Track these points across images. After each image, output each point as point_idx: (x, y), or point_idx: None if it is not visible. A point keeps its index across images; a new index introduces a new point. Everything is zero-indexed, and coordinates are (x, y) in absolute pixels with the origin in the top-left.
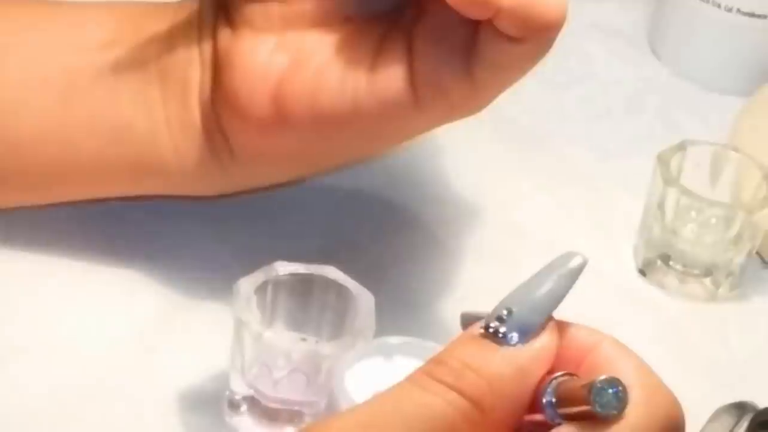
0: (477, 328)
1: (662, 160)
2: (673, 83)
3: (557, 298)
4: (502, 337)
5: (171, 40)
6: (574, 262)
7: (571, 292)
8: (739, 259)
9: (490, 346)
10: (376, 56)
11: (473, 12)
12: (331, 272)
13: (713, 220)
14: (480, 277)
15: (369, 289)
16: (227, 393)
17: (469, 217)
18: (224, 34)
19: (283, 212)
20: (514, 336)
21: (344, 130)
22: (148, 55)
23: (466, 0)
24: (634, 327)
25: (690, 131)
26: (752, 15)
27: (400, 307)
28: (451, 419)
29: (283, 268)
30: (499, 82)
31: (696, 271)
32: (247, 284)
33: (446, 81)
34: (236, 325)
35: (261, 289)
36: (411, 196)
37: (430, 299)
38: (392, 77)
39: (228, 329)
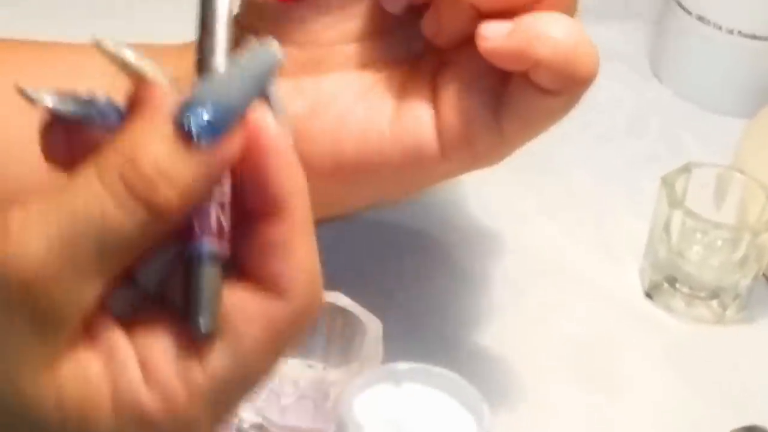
0: (168, 124)
1: (667, 183)
2: (676, 105)
3: (250, 95)
4: (195, 139)
5: (176, 83)
6: (267, 60)
7: (579, 314)
8: (745, 281)
9: (184, 149)
10: (399, 103)
11: (510, 64)
12: (339, 298)
13: (719, 242)
14: (487, 301)
15: (376, 315)
16: (236, 420)
17: (475, 240)
18: None
19: None
20: (207, 138)
21: (365, 177)
22: None
23: (503, 51)
24: (641, 350)
25: (693, 153)
26: (753, 37)
27: (408, 333)
28: (128, 232)
29: None
30: (527, 133)
31: (703, 294)
32: None
33: (473, 131)
34: None
35: None
36: (416, 222)
37: (437, 325)
38: (418, 125)
39: None
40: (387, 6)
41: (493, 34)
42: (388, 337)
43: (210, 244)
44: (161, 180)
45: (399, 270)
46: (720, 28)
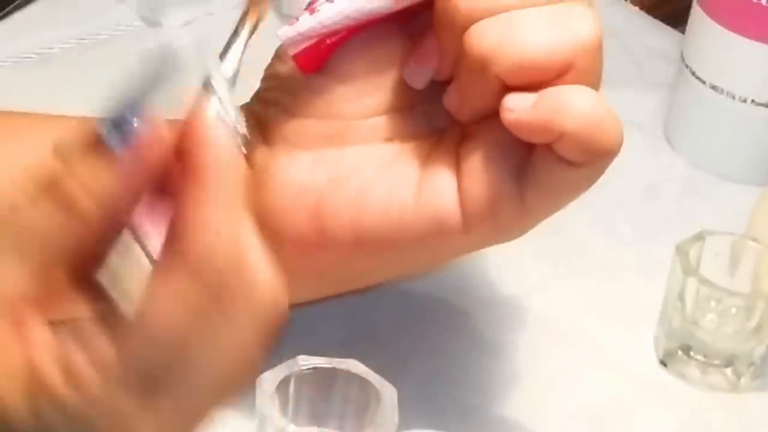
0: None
1: (681, 251)
2: (689, 173)
3: (148, 96)
4: (110, 145)
5: None
6: (164, 60)
7: (593, 382)
8: (760, 348)
9: (100, 157)
10: (422, 175)
11: (535, 136)
12: (354, 366)
13: (733, 310)
14: (501, 368)
15: (391, 382)
16: None
17: (490, 307)
18: (259, 151)
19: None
20: (118, 142)
21: (386, 250)
22: None
23: (528, 123)
24: (656, 418)
25: (707, 221)
26: (767, 106)
27: (423, 400)
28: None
29: (306, 361)
30: (550, 206)
31: (717, 361)
32: (270, 378)
33: (496, 203)
34: (260, 419)
35: (284, 383)
36: (431, 287)
37: (452, 392)
38: (440, 197)
39: (251, 424)
40: (410, 81)
41: (518, 106)
42: (403, 404)
43: (131, 228)
44: (80, 191)
45: (414, 337)
46: (733, 96)
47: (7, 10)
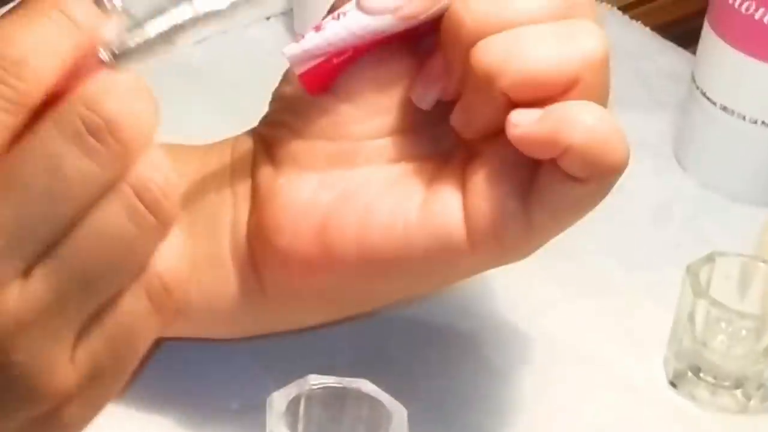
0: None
1: (691, 272)
2: (700, 194)
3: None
4: None
5: (200, 181)
6: None
7: (603, 403)
8: None
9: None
10: (427, 194)
11: (540, 150)
12: (364, 385)
13: (743, 332)
14: (510, 389)
15: (401, 402)
16: None
17: (499, 327)
18: (265, 172)
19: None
20: None
21: (391, 270)
22: None
23: (533, 137)
24: None
25: (717, 242)
26: None
27: (432, 421)
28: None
29: (316, 381)
30: (556, 224)
31: (727, 383)
32: (280, 398)
33: (501, 220)
34: None
35: (294, 403)
36: (440, 309)
37: (462, 413)
38: (446, 215)
39: None
40: (417, 101)
41: (523, 121)
42: (413, 424)
43: None
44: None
45: (424, 358)
46: (744, 118)
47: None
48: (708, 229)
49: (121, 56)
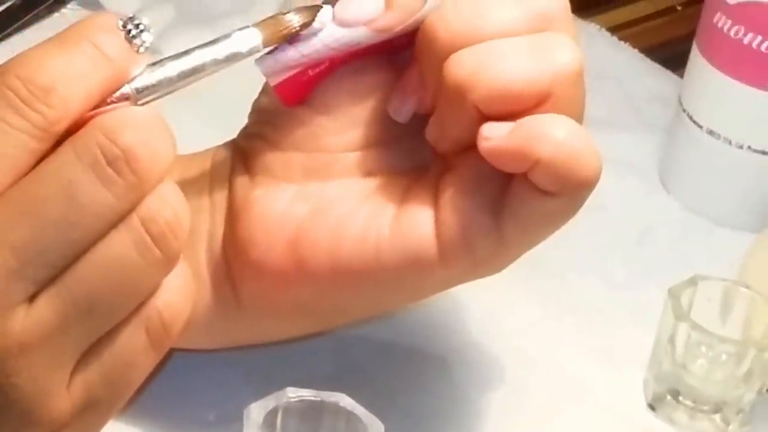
0: None
1: (673, 295)
2: (684, 217)
3: None
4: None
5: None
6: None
7: (580, 424)
8: (749, 395)
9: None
10: (400, 207)
11: (510, 163)
12: (342, 399)
13: (724, 357)
14: (489, 406)
15: (378, 417)
16: None
17: (478, 344)
18: (242, 182)
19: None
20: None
21: (363, 283)
22: None
23: (503, 150)
24: None
25: (700, 265)
26: (763, 152)
27: None
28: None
29: (294, 393)
30: (527, 238)
31: (706, 407)
32: (257, 409)
33: (472, 234)
34: None
35: (271, 415)
36: (420, 324)
37: (439, 429)
38: (417, 228)
39: None
40: (393, 114)
41: (494, 134)
42: None
43: None
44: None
45: (401, 372)
46: (730, 142)
47: (6, 32)
48: (691, 253)
49: (142, 90)
